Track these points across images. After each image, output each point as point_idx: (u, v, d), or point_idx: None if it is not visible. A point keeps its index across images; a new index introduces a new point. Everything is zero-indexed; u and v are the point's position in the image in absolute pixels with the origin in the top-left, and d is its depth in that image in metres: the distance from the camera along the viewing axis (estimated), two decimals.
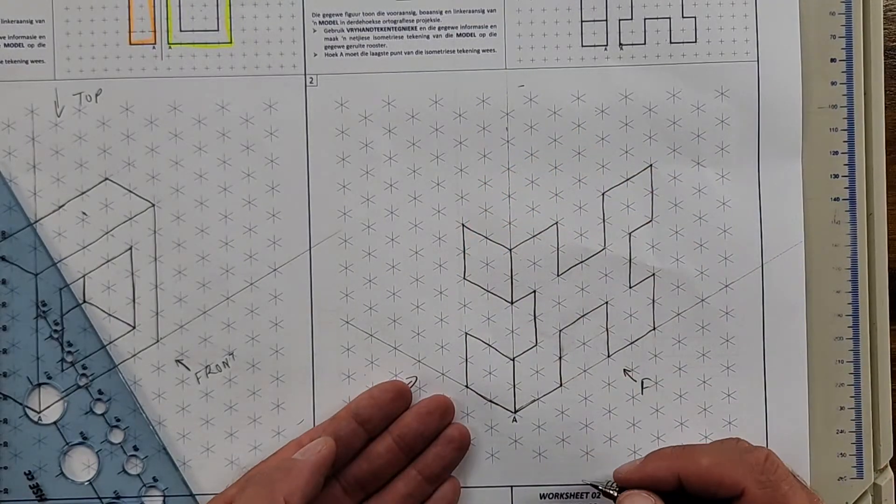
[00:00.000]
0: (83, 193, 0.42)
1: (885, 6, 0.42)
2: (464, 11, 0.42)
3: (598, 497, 0.40)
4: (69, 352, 0.42)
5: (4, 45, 0.42)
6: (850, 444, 0.42)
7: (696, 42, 0.42)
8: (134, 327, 0.42)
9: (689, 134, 0.42)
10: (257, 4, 0.42)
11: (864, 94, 0.42)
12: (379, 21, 0.42)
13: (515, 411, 0.42)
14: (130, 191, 0.42)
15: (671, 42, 0.42)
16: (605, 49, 0.42)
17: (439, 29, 0.42)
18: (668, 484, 0.37)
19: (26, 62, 0.42)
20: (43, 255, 0.42)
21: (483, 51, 0.42)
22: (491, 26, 0.42)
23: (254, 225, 0.42)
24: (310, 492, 0.37)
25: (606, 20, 0.42)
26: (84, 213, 0.42)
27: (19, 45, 0.42)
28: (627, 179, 0.42)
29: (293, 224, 0.42)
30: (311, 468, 0.37)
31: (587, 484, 0.41)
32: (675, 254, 0.42)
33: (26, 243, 0.42)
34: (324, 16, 0.42)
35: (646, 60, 0.42)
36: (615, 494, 0.39)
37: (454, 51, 0.42)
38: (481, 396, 0.42)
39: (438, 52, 0.42)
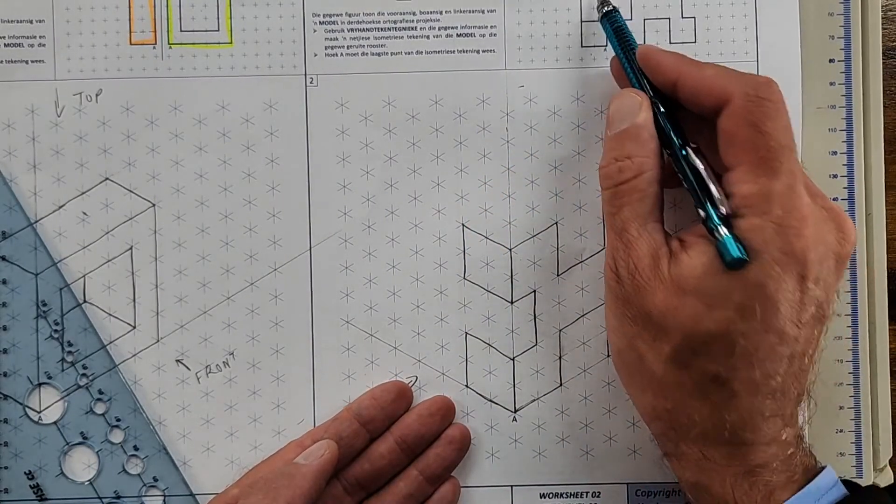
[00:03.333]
0: (83, 193, 0.42)
1: (883, 6, 0.42)
2: (464, 11, 0.42)
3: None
4: (69, 352, 0.42)
5: (4, 45, 0.42)
6: (849, 443, 0.42)
7: (695, 42, 0.42)
8: (134, 327, 0.42)
9: None
10: (257, 4, 0.42)
11: (863, 94, 0.42)
12: (379, 21, 0.42)
13: (515, 411, 0.42)
14: (131, 191, 0.42)
15: (671, 42, 0.42)
16: (605, 49, 0.42)
17: (439, 29, 0.42)
18: (666, 79, 0.36)
19: (26, 62, 0.42)
20: (43, 255, 0.42)
21: (483, 51, 0.42)
22: (491, 26, 0.42)
23: (254, 225, 0.42)
24: (313, 497, 0.37)
25: (596, 6, 0.42)
26: (84, 213, 0.42)
27: (19, 45, 0.42)
28: None
29: (293, 224, 0.42)
30: (315, 474, 0.37)
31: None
32: None
33: (26, 243, 0.42)
34: (324, 16, 0.42)
35: None
36: (599, 12, 0.40)
37: (454, 51, 0.42)
38: (481, 396, 0.42)
39: (438, 52, 0.42)
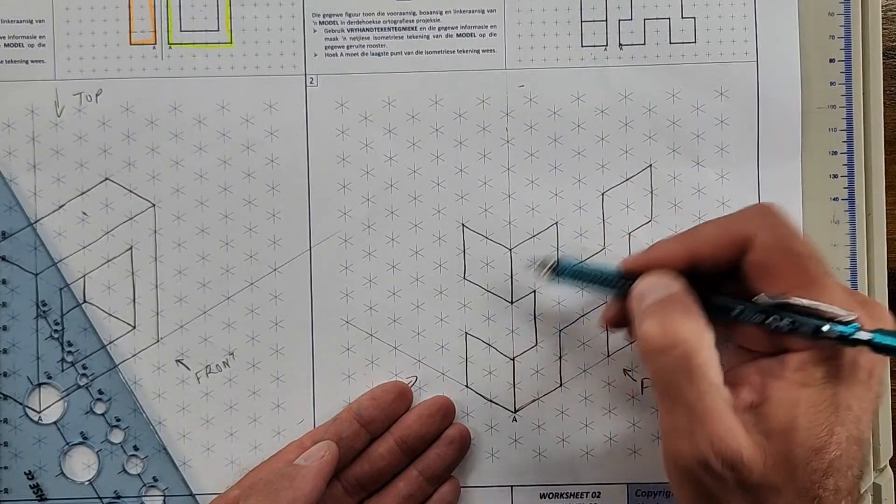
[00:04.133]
0: (83, 193, 0.42)
1: (883, 6, 0.42)
2: (464, 11, 0.42)
3: (540, 273, 0.39)
4: (69, 352, 0.42)
5: (4, 45, 0.42)
6: None
7: (695, 42, 0.42)
8: (134, 327, 0.42)
9: (688, 134, 0.42)
10: (257, 4, 0.42)
11: (863, 94, 0.42)
12: (379, 21, 0.42)
13: (515, 411, 0.42)
14: (131, 191, 0.42)
15: (671, 42, 0.42)
16: (605, 49, 0.42)
17: (439, 29, 0.42)
18: (678, 263, 0.34)
19: (26, 62, 0.42)
20: (43, 254, 0.42)
21: (483, 51, 0.42)
22: (491, 26, 0.42)
23: (254, 225, 0.42)
24: (314, 498, 0.37)
25: (606, 20, 0.42)
26: (84, 213, 0.42)
27: (19, 45, 0.42)
28: (627, 179, 0.42)
29: (293, 224, 0.42)
30: (315, 475, 0.37)
31: (534, 267, 0.39)
32: None
33: (26, 243, 0.42)
34: (324, 16, 0.42)
35: (645, 61, 0.42)
36: (546, 274, 0.38)
37: (454, 51, 0.42)
38: (481, 396, 0.42)
39: (438, 52, 0.42)
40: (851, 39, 0.42)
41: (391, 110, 0.42)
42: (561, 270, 0.38)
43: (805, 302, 0.31)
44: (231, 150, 0.42)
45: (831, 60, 0.42)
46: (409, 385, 0.42)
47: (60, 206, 0.42)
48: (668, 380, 0.31)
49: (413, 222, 0.42)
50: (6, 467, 0.42)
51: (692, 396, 0.30)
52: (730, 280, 0.34)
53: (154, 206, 0.42)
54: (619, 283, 0.36)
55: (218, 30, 0.42)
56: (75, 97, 0.42)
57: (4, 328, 0.42)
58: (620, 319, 0.37)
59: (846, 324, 0.31)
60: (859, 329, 0.31)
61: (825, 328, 0.31)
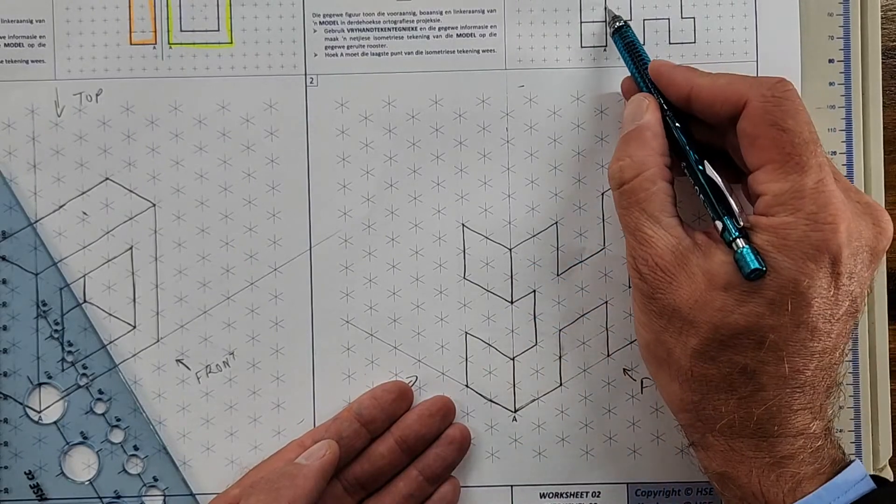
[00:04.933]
0: (83, 193, 0.42)
1: (883, 6, 0.42)
2: (464, 11, 0.42)
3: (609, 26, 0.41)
4: (69, 351, 0.42)
5: (4, 45, 0.42)
6: (849, 443, 0.42)
7: (695, 42, 0.42)
8: (134, 327, 0.42)
9: None
10: (258, 4, 0.42)
11: (863, 94, 0.42)
12: (379, 21, 0.42)
13: (515, 411, 0.42)
14: (131, 191, 0.42)
15: (670, 43, 0.42)
16: (605, 49, 0.42)
17: (439, 29, 0.42)
18: (679, 93, 0.37)
19: (26, 62, 0.42)
20: (43, 254, 0.42)
21: (483, 51, 0.42)
22: (491, 26, 0.42)
23: (254, 225, 0.42)
24: (314, 497, 0.37)
25: (606, 21, 0.42)
26: (84, 213, 0.42)
27: (19, 45, 0.42)
28: None
29: (293, 224, 0.42)
30: (316, 474, 0.37)
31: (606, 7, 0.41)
32: None
33: (27, 243, 0.42)
34: (324, 16, 0.42)
35: None
36: (611, 30, 0.40)
37: (454, 51, 0.42)
38: (481, 396, 0.42)
39: (438, 52, 0.42)
40: (851, 40, 0.42)
41: (391, 110, 0.42)
42: (622, 34, 0.40)
43: (731, 199, 0.35)
44: (231, 150, 0.42)
45: (831, 61, 0.42)
46: (410, 385, 0.42)
47: (60, 206, 0.42)
48: (620, 211, 0.37)
49: (413, 222, 0.42)
50: (6, 467, 0.42)
51: (635, 224, 0.35)
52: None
53: (154, 206, 0.42)
54: (644, 76, 0.39)
55: (218, 30, 0.42)
56: (75, 97, 0.42)
57: (4, 328, 0.42)
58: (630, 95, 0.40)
59: (732, 229, 0.34)
60: (737, 238, 0.34)
61: (717, 223, 0.35)
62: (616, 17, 0.40)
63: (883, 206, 0.42)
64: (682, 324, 0.34)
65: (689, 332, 0.34)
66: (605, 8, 0.41)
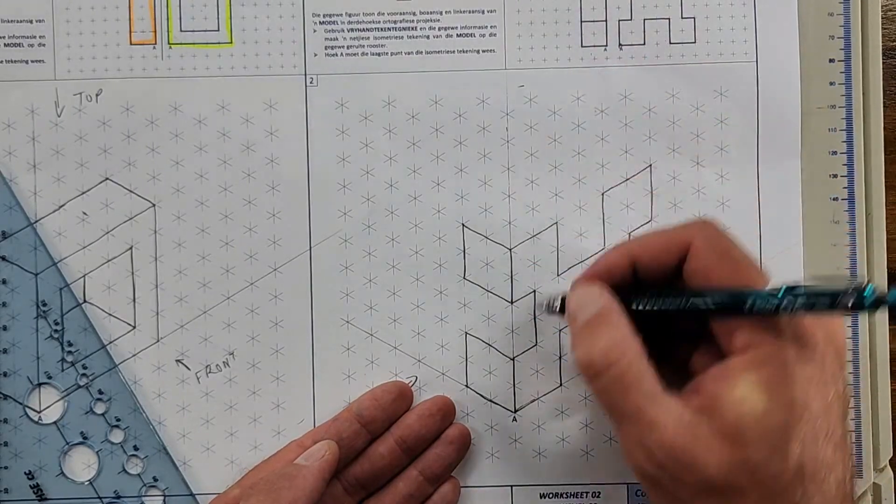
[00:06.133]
0: (83, 193, 0.42)
1: (883, 6, 0.42)
2: (464, 11, 0.42)
3: (551, 312, 0.38)
4: (69, 351, 0.42)
5: (4, 45, 0.42)
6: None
7: (695, 42, 0.42)
8: (134, 327, 0.42)
9: (688, 134, 0.42)
10: (257, 4, 0.42)
11: (863, 94, 0.42)
12: (379, 21, 0.42)
13: (515, 411, 0.42)
14: (131, 191, 0.42)
15: (670, 42, 0.42)
16: (605, 49, 0.42)
17: (439, 29, 0.42)
18: (622, 269, 0.35)
19: (26, 62, 0.42)
20: (43, 254, 0.42)
21: (483, 51, 0.42)
22: (491, 26, 0.42)
23: (254, 225, 0.42)
24: (314, 498, 0.37)
25: (606, 20, 0.42)
26: (84, 213, 0.42)
27: (19, 45, 0.42)
28: (627, 179, 0.42)
29: (293, 224, 0.42)
30: (316, 474, 0.37)
31: (541, 307, 0.41)
32: None
33: (26, 243, 0.42)
34: (324, 16, 0.42)
35: (645, 61, 0.42)
36: (556, 309, 0.37)
37: (454, 51, 0.42)
38: (481, 396, 0.42)
39: (438, 52, 0.42)
40: (851, 39, 0.42)
41: (391, 110, 0.42)
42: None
43: (811, 286, 0.31)
44: (231, 150, 0.42)
45: (831, 60, 0.42)
46: (410, 385, 0.42)
47: (60, 206, 0.42)
48: (609, 400, 0.32)
49: (413, 222, 0.42)
50: (6, 467, 0.42)
51: (634, 410, 0.31)
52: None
53: (154, 206, 0.42)
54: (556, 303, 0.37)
55: (218, 30, 0.42)
56: (75, 97, 0.42)
57: (4, 328, 0.42)
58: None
59: (860, 289, 0.30)
60: (874, 290, 0.30)
61: (842, 297, 0.31)
62: (551, 301, 0.38)
63: (884, 206, 0.42)
64: (723, 497, 0.31)
65: (736, 497, 0.31)
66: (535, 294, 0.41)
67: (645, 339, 0.33)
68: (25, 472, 0.42)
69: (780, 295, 0.31)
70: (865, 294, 0.30)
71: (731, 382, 0.31)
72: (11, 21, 0.42)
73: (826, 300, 0.31)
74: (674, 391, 0.32)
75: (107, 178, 0.42)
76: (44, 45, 0.42)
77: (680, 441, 0.31)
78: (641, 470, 0.32)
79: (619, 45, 0.42)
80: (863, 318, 0.42)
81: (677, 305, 0.34)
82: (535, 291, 0.42)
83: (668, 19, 0.42)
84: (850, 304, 0.30)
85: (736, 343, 0.32)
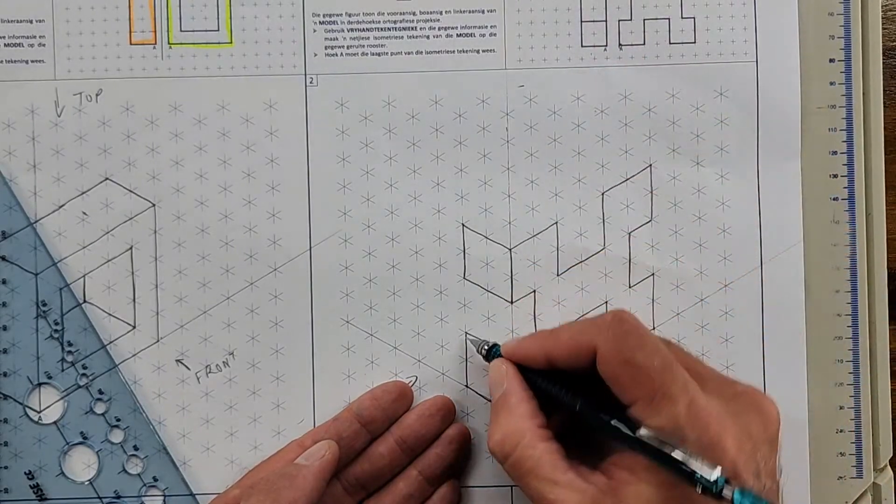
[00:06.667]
0: (83, 193, 0.42)
1: (883, 6, 0.42)
2: (464, 11, 0.42)
3: (477, 354, 0.40)
4: (69, 351, 0.42)
5: (4, 45, 0.42)
6: (849, 443, 0.42)
7: (695, 42, 0.42)
8: (134, 327, 0.42)
9: (688, 134, 0.42)
10: (257, 4, 0.42)
11: (863, 94, 0.42)
12: (379, 21, 0.42)
13: None
14: (131, 191, 0.42)
15: (670, 42, 0.42)
16: (605, 49, 0.42)
17: (439, 29, 0.42)
18: (538, 362, 0.37)
19: (26, 62, 0.42)
20: (43, 254, 0.42)
21: (483, 51, 0.42)
22: (491, 26, 0.42)
23: (254, 225, 0.42)
24: (314, 498, 0.37)
25: (606, 21, 0.42)
26: (84, 213, 0.42)
27: (19, 45, 0.42)
28: (627, 179, 0.42)
29: (293, 224, 0.42)
30: (316, 474, 0.37)
31: (471, 340, 0.41)
32: (674, 254, 0.42)
33: (26, 243, 0.42)
34: (324, 16, 0.42)
35: (645, 61, 0.42)
36: (483, 357, 0.40)
37: (454, 51, 0.42)
38: (481, 396, 0.42)
39: (438, 52, 0.42)
40: (851, 39, 0.42)
41: (391, 110, 0.42)
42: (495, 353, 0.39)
43: (679, 456, 0.32)
44: (231, 150, 0.42)
45: (831, 60, 0.42)
46: (410, 385, 0.42)
47: (60, 206, 0.42)
48: (516, 482, 0.35)
49: (413, 222, 0.42)
50: (6, 467, 0.42)
51: (535, 493, 0.34)
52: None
53: (154, 206, 0.42)
54: (483, 350, 0.40)
55: (218, 30, 0.42)
56: (75, 97, 0.42)
57: (4, 328, 0.42)
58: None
59: (711, 482, 0.32)
60: (724, 485, 0.32)
61: (696, 479, 0.32)
62: (482, 344, 0.40)
63: (884, 206, 0.42)
64: None
65: None
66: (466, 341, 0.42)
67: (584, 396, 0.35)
68: (25, 472, 0.42)
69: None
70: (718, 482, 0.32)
71: (634, 476, 0.33)
72: (11, 21, 0.42)
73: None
74: (591, 465, 0.35)
75: (107, 178, 0.42)
76: (44, 45, 0.42)
77: None
78: None
79: (619, 45, 0.42)
80: (863, 318, 0.42)
81: (574, 409, 0.36)
82: (534, 291, 0.42)
83: (668, 19, 0.42)
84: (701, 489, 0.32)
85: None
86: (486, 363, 0.40)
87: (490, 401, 0.42)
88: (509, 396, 0.37)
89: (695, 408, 0.33)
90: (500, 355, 0.39)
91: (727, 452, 0.33)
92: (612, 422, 0.34)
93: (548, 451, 0.35)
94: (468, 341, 0.42)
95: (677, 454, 0.32)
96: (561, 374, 0.37)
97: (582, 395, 0.36)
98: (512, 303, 0.42)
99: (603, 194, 0.42)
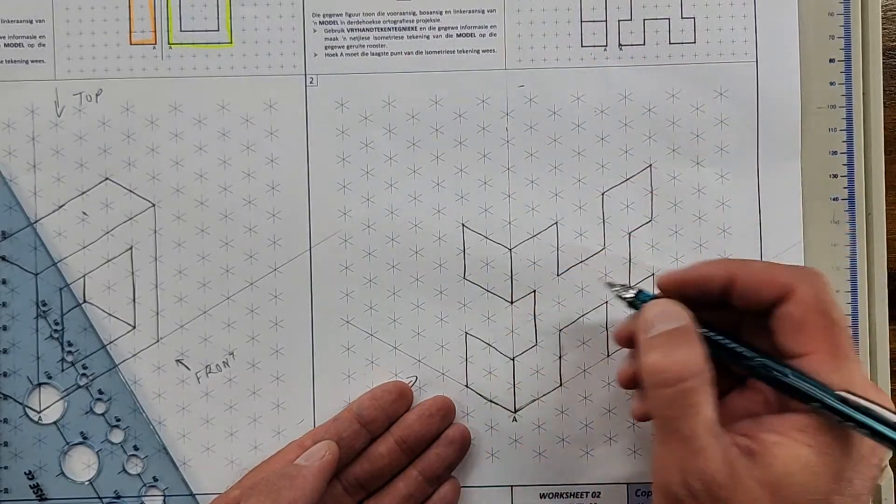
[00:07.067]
0: (83, 193, 0.42)
1: (883, 6, 0.42)
2: (464, 11, 0.42)
3: (620, 298, 0.37)
4: (69, 351, 0.42)
5: (4, 45, 0.42)
6: None
7: (695, 42, 0.42)
8: (134, 327, 0.42)
9: (688, 134, 0.42)
10: (257, 4, 0.42)
11: (863, 94, 0.42)
12: (379, 21, 0.42)
13: (515, 411, 0.42)
14: (131, 191, 0.42)
15: (670, 42, 0.42)
16: (605, 49, 0.42)
17: (439, 29, 0.42)
18: (713, 284, 0.35)
19: (26, 62, 0.42)
20: (43, 254, 0.42)
21: (483, 51, 0.42)
22: (491, 26, 0.42)
23: (254, 225, 0.42)
24: (314, 499, 0.37)
25: (606, 21, 0.42)
26: (84, 213, 0.42)
27: (19, 45, 0.42)
28: (627, 179, 0.42)
29: (293, 224, 0.42)
30: (316, 475, 0.37)
31: (606, 284, 0.40)
32: (674, 254, 0.42)
33: (26, 243, 0.42)
34: (324, 16, 0.42)
35: (645, 61, 0.42)
36: (631, 298, 0.37)
37: (454, 51, 0.42)
38: (481, 396, 0.42)
39: (438, 52, 0.42)
40: (851, 39, 0.42)
41: (391, 110, 0.42)
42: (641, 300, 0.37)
43: (864, 403, 0.31)
44: (231, 150, 0.42)
45: (831, 60, 0.42)
46: (410, 385, 0.42)
47: (60, 206, 0.42)
48: (667, 413, 0.32)
49: (413, 222, 0.42)
50: (6, 467, 0.42)
51: (687, 432, 0.31)
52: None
53: (154, 206, 0.42)
54: (628, 295, 0.37)
55: (218, 30, 0.42)
56: (75, 97, 0.42)
57: (4, 328, 0.42)
58: (635, 380, 0.37)
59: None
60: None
61: (884, 429, 0.31)
62: (623, 287, 0.38)
63: (884, 206, 0.42)
64: None
65: None
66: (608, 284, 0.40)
67: None
68: (25, 472, 0.42)
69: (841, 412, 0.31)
70: None
71: (787, 438, 0.31)
72: (11, 21, 0.42)
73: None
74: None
75: (107, 178, 0.42)
76: (44, 45, 0.42)
77: (721, 476, 0.31)
78: (668, 490, 0.32)
79: (619, 45, 0.42)
80: (863, 318, 0.42)
81: (750, 365, 0.34)
82: (534, 291, 0.42)
83: (668, 19, 0.42)
84: None
85: (794, 403, 0.32)
86: (631, 308, 0.37)
87: (488, 400, 0.42)
88: (691, 332, 0.33)
89: (865, 376, 0.33)
90: (646, 300, 0.36)
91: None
92: (805, 381, 0.32)
93: (714, 398, 0.32)
94: (606, 284, 0.40)
95: (878, 409, 0.31)
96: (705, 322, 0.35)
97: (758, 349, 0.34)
98: (512, 303, 0.42)
99: (603, 194, 0.42)
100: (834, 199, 0.42)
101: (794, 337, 0.33)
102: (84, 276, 0.42)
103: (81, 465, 0.42)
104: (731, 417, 0.34)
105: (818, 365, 0.33)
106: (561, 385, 0.42)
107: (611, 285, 0.38)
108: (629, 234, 0.42)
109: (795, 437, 0.31)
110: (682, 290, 0.35)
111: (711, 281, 0.35)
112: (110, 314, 0.42)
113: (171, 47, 0.42)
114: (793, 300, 0.33)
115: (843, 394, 0.31)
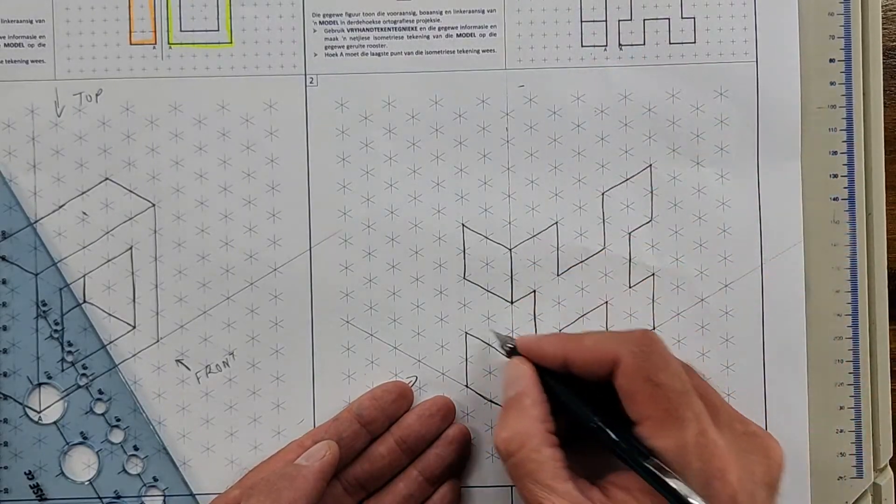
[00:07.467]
0: (83, 193, 0.42)
1: (883, 6, 0.42)
2: (464, 11, 0.42)
3: (495, 349, 0.40)
4: (69, 351, 0.42)
5: (4, 45, 0.42)
6: (849, 443, 0.42)
7: (695, 42, 0.42)
8: (134, 327, 0.42)
9: (688, 134, 0.42)
10: (257, 4, 0.42)
11: (863, 94, 0.42)
12: (379, 21, 0.42)
13: None
14: (131, 191, 0.42)
15: (670, 42, 0.42)
16: (605, 49, 0.42)
17: (439, 29, 0.42)
18: (555, 363, 0.37)
19: (26, 62, 0.42)
20: (43, 254, 0.42)
21: (483, 51, 0.42)
22: (491, 26, 0.42)
23: (254, 225, 0.42)
24: (314, 499, 0.37)
25: (606, 21, 0.42)
26: (84, 213, 0.42)
27: (19, 45, 0.42)
28: (627, 179, 0.42)
29: (293, 224, 0.42)
30: (316, 475, 0.37)
31: (496, 333, 0.41)
32: (674, 253, 0.42)
33: (26, 243, 0.42)
34: (324, 16, 0.42)
35: (645, 61, 0.42)
36: (504, 353, 0.39)
37: (454, 51, 0.42)
38: (481, 396, 0.42)
39: (438, 52, 0.42)
40: (851, 39, 0.42)
41: (391, 110, 0.42)
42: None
43: (665, 478, 0.33)
44: (231, 150, 0.42)
45: (831, 60, 0.42)
46: (410, 385, 0.42)
47: (60, 206, 0.42)
48: (514, 482, 0.35)
49: (413, 222, 0.42)
50: (6, 467, 0.42)
51: (530, 495, 0.34)
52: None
53: (154, 206, 0.42)
54: (507, 347, 0.39)
55: (218, 30, 0.42)
56: (75, 97, 0.42)
57: (4, 328, 0.42)
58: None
59: None
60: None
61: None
62: (507, 339, 0.39)
63: (884, 206, 0.42)
64: None
65: None
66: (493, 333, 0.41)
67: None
68: (25, 472, 0.42)
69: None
70: None
71: (631, 498, 0.34)
72: (11, 21, 0.42)
73: None
74: (590, 472, 0.35)
75: (107, 178, 0.42)
76: (44, 45, 0.42)
77: None
78: None
79: (619, 45, 0.42)
80: (863, 318, 0.42)
81: (588, 427, 0.36)
82: (534, 291, 0.42)
83: (668, 19, 0.42)
84: None
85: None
86: (505, 359, 0.39)
87: (488, 400, 0.42)
88: (524, 397, 0.37)
89: (703, 438, 0.34)
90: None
91: (727, 487, 0.33)
92: (623, 444, 0.35)
93: (552, 457, 0.35)
94: (493, 332, 0.41)
95: (679, 486, 0.33)
96: (571, 379, 0.37)
97: (594, 409, 0.36)
98: (512, 303, 0.42)
99: (603, 194, 0.42)
100: (834, 199, 0.42)
101: (628, 406, 0.35)
102: (84, 276, 0.42)
103: (81, 465, 0.42)
104: (602, 465, 0.36)
105: (650, 431, 0.34)
106: None
107: (497, 334, 0.40)
108: (629, 234, 0.42)
109: (637, 498, 0.34)
110: (533, 357, 0.38)
111: (551, 358, 0.37)
112: (110, 314, 0.42)
113: (171, 47, 0.42)
114: (619, 372, 0.35)
115: (650, 467, 0.34)
